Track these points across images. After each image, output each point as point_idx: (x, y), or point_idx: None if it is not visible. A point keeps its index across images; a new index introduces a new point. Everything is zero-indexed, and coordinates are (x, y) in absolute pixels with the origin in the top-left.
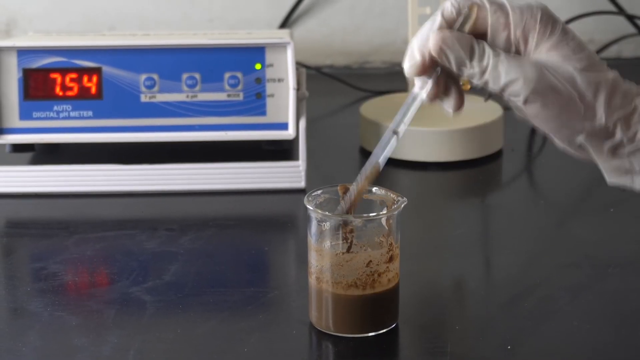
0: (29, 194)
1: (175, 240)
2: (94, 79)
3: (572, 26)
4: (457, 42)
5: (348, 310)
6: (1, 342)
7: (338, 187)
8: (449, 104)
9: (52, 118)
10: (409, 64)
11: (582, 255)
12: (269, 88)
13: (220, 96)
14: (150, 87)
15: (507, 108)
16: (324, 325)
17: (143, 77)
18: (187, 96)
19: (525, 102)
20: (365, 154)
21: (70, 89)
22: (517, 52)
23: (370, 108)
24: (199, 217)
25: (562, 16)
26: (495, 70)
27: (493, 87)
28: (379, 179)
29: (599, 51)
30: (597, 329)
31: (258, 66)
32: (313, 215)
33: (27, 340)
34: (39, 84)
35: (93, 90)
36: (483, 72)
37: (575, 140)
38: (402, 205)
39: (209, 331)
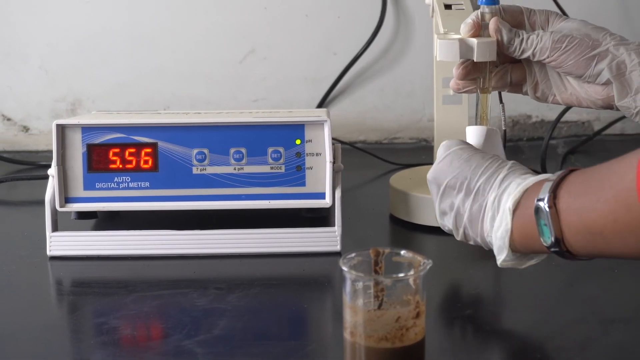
0: (92, 257)
1: (224, 298)
2: (151, 153)
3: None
4: (507, 24)
5: None
6: None
7: (370, 251)
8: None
9: (112, 188)
10: (466, 28)
11: (589, 311)
12: (308, 161)
13: (264, 169)
14: (201, 161)
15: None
16: None
17: (195, 151)
18: (235, 169)
19: (552, 52)
20: (395, 221)
21: (129, 162)
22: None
23: (399, 179)
24: (245, 277)
25: None
26: (529, 39)
27: (529, 52)
28: (406, 244)
29: (604, 129)
30: None
31: (298, 142)
32: (348, 275)
33: None
34: (101, 157)
35: (150, 163)
36: (521, 42)
37: (594, 70)
38: (428, 267)
39: None
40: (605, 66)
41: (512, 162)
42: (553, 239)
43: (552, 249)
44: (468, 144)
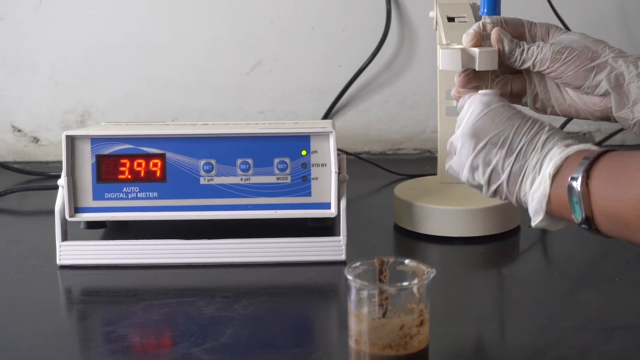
0: (101, 266)
1: (231, 306)
2: (159, 163)
3: None
4: (508, 34)
5: None
6: None
7: (375, 260)
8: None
9: (121, 198)
10: (468, 37)
11: (590, 319)
12: (314, 172)
13: (271, 179)
14: (208, 171)
15: None
16: None
17: (202, 162)
18: (241, 179)
19: (552, 63)
20: (399, 230)
21: (138, 172)
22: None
23: (403, 189)
24: (251, 286)
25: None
26: (530, 50)
27: (529, 63)
28: (410, 253)
29: (605, 140)
30: None
31: (304, 152)
32: (353, 284)
33: None
34: (110, 168)
35: (158, 173)
36: (522, 53)
37: (593, 81)
38: (432, 276)
39: None
40: (604, 77)
41: (548, 124)
42: (583, 217)
43: (582, 226)
44: (506, 100)
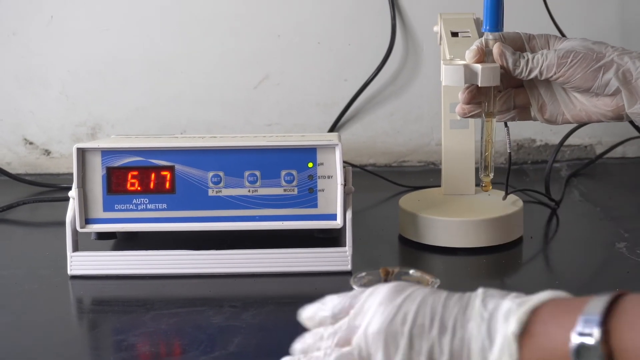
0: (111, 276)
1: (239, 315)
2: (168, 175)
3: (581, 130)
4: (509, 47)
5: None
6: None
7: (380, 270)
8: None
9: (131, 210)
10: (471, 54)
11: None
12: (320, 184)
13: (278, 191)
14: (216, 183)
15: (526, 201)
16: None
17: (210, 174)
18: (249, 191)
19: (559, 68)
20: (404, 241)
21: (147, 184)
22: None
23: (408, 201)
24: (259, 296)
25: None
26: (535, 59)
27: (536, 71)
28: (415, 263)
29: (606, 152)
30: None
31: (310, 165)
32: None
33: None
34: (120, 180)
35: (167, 185)
36: (527, 63)
37: (602, 80)
38: (436, 286)
39: None
40: (612, 75)
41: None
42: None
43: None
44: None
